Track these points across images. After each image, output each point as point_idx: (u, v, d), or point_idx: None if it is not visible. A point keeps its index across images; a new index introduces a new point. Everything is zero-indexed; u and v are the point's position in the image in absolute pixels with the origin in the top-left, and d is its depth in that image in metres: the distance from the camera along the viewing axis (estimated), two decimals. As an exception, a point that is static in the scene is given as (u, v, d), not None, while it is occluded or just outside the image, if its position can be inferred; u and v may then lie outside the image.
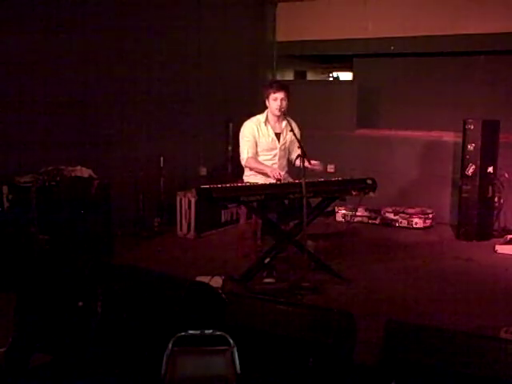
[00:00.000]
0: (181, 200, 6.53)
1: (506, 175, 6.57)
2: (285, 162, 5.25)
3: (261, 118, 5.12)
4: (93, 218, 5.26)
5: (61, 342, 3.02)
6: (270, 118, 5.10)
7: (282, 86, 5.05)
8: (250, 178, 5.14)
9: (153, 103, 6.62)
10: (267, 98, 5.02)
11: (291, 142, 5.16)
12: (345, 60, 9.03)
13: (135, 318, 2.94)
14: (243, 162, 5.13)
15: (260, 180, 5.02)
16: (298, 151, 4.74)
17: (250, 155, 5.06)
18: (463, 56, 7.50)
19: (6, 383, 3.04)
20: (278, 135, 5.14)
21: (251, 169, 5.13)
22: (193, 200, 6.42)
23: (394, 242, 6.41)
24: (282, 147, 5.17)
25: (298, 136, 4.93)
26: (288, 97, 4.99)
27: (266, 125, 5.10)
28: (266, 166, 5.05)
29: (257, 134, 5.07)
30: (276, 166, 5.15)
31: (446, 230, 6.86)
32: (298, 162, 4.87)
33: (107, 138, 6.11)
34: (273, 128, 5.12)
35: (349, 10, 7.82)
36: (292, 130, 4.85)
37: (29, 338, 3.08)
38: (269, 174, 4.92)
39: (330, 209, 6.51)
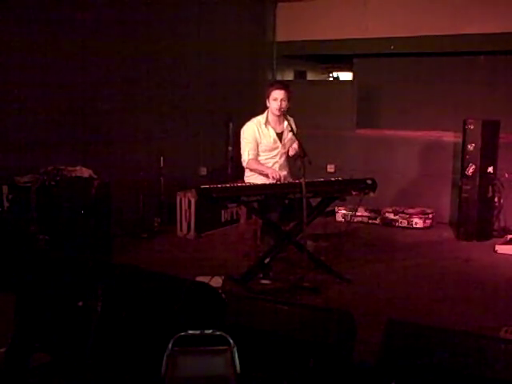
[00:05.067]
0: (181, 200, 6.53)
1: (506, 175, 6.57)
2: (286, 160, 5.24)
3: (261, 118, 5.11)
4: (93, 218, 5.26)
5: (61, 342, 3.03)
6: (271, 118, 5.09)
7: (282, 85, 5.04)
8: (250, 178, 5.14)
9: (153, 103, 6.62)
10: (268, 97, 5.01)
11: (290, 139, 5.15)
12: (345, 60, 9.03)
13: (135, 318, 2.94)
14: (244, 164, 5.13)
15: (260, 181, 5.01)
16: (294, 145, 4.84)
17: (251, 157, 5.05)
18: (463, 56, 7.50)
19: (6, 383, 3.04)
20: (279, 135, 5.13)
21: (252, 170, 5.12)
22: (193, 200, 6.42)
23: (394, 242, 6.41)
24: (284, 146, 5.17)
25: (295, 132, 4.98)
26: (289, 97, 4.98)
27: (266, 126, 5.08)
28: (267, 167, 5.04)
29: (258, 135, 5.06)
30: (278, 164, 5.14)
31: (446, 230, 6.86)
32: (290, 151, 5.10)
33: (107, 138, 6.11)
34: (274, 128, 5.11)
35: (349, 9, 7.82)
36: (292, 130, 4.85)
37: (29, 338, 3.08)
38: (269, 175, 4.92)
39: (330, 209, 6.50)
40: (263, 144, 5.08)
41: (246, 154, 5.06)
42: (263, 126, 5.07)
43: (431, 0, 7.37)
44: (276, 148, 5.13)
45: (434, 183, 7.17)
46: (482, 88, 7.37)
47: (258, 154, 5.09)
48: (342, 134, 7.69)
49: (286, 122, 5.06)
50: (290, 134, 4.96)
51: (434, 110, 7.57)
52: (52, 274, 3.22)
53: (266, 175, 4.96)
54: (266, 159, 5.12)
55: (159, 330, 2.82)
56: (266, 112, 5.11)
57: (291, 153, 5.14)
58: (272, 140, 5.10)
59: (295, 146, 4.92)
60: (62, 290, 3.06)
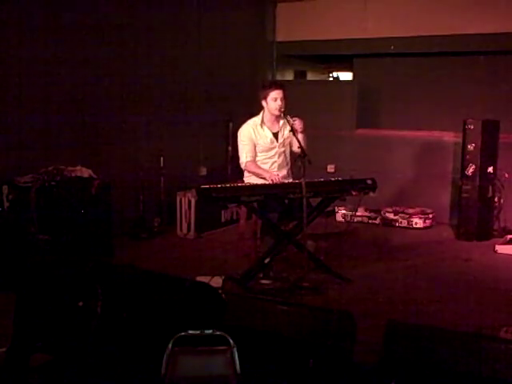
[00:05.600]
0: (181, 200, 6.53)
1: (506, 175, 6.57)
2: (286, 159, 5.23)
3: (257, 120, 5.10)
4: (93, 218, 5.26)
5: (61, 341, 3.02)
6: (267, 118, 5.08)
7: (279, 85, 5.04)
8: (250, 178, 5.13)
9: (153, 103, 6.62)
10: (265, 98, 5.00)
11: (289, 137, 5.13)
12: (345, 60, 9.03)
13: (135, 318, 2.93)
14: (242, 166, 5.12)
15: (260, 181, 5.01)
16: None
17: (249, 159, 5.05)
18: (463, 56, 7.50)
19: (6, 383, 3.04)
20: (275, 134, 5.13)
21: (250, 173, 5.12)
22: (193, 200, 6.42)
23: (394, 242, 6.41)
24: (281, 145, 5.16)
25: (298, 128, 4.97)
26: (285, 96, 4.98)
27: (262, 126, 5.08)
28: (265, 170, 5.04)
29: (254, 136, 5.06)
30: (276, 164, 5.14)
31: (446, 230, 6.86)
32: (296, 149, 4.93)
33: (107, 138, 6.11)
34: (270, 128, 5.10)
35: (349, 9, 7.81)
36: (292, 130, 4.84)
37: (29, 338, 3.08)
38: (267, 178, 4.91)
39: (330, 209, 6.50)
40: (260, 145, 5.08)
41: (244, 157, 5.06)
42: (259, 126, 5.07)
43: (431, 0, 7.37)
44: (273, 148, 5.13)
45: (433, 183, 7.16)
46: (482, 88, 7.37)
47: (255, 155, 5.09)
48: (341, 134, 7.69)
49: (281, 121, 5.05)
50: (290, 132, 4.95)
51: (434, 110, 7.57)
52: (52, 273, 3.22)
53: (265, 178, 4.96)
54: (265, 159, 5.12)
55: (159, 330, 2.82)
56: (261, 113, 5.10)
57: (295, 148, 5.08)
58: (268, 140, 5.09)
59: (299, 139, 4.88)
60: (62, 290, 3.06)
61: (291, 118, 4.85)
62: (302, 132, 4.92)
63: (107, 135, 6.12)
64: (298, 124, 4.87)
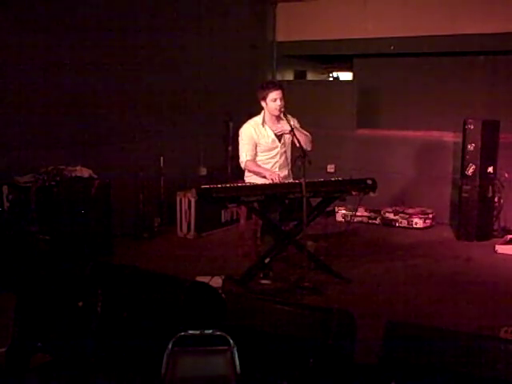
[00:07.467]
0: (181, 200, 6.53)
1: (506, 175, 6.56)
2: (287, 159, 5.22)
3: (258, 119, 5.10)
4: (93, 218, 5.27)
5: (61, 342, 3.03)
6: (268, 118, 5.07)
7: (278, 85, 5.04)
8: (250, 178, 5.13)
9: (153, 103, 6.62)
10: (264, 99, 4.99)
11: (289, 137, 5.13)
12: (345, 60, 9.02)
13: (135, 318, 2.94)
14: (242, 165, 5.12)
15: (260, 181, 5.01)
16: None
17: (249, 158, 5.04)
18: (463, 56, 7.49)
19: (6, 383, 3.04)
20: (277, 134, 5.12)
21: (250, 172, 5.12)
22: (193, 200, 6.42)
23: (394, 242, 6.41)
24: (283, 145, 5.15)
25: (298, 127, 4.99)
26: (284, 96, 4.98)
27: (263, 126, 5.08)
28: (265, 169, 5.03)
29: (255, 136, 5.05)
30: (278, 164, 5.14)
31: (446, 230, 6.86)
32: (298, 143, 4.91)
33: (107, 138, 6.11)
34: (271, 128, 5.10)
35: (349, 9, 7.81)
36: (292, 130, 4.84)
37: (29, 338, 3.08)
38: (267, 177, 4.91)
39: (330, 209, 6.50)
40: (262, 144, 5.07)
41: (244, 156, 5.06)
42: (260, 126, 5.07)
43: (431, 0, 7.36)
44: (275, 148, 5.12)
45: (434, 183, 7.16)
46: (482, 88, 7.37)
47: (255, 155, 5.08)
48: (342, 134, 7.69)
49: (283, 121, 5.04)
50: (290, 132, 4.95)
51: (434, 110, 7.56)
52: (52, 274, 3.22)
53: (265, 177, 4.96)
54: (266, 159, 5.12)
55: (159, 330, 2.82)
56: (262, 113, 5.10)
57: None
58: (270, 140, 5.09)
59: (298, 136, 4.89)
60: (62, 290, 3.07)
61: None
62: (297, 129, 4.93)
63: (107, 135, 6.12)
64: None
